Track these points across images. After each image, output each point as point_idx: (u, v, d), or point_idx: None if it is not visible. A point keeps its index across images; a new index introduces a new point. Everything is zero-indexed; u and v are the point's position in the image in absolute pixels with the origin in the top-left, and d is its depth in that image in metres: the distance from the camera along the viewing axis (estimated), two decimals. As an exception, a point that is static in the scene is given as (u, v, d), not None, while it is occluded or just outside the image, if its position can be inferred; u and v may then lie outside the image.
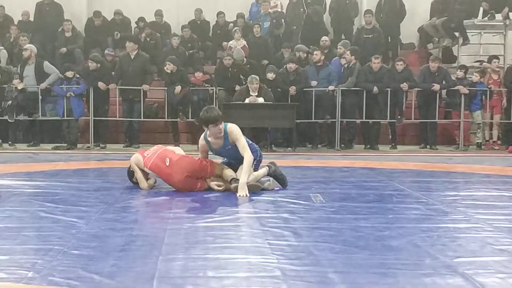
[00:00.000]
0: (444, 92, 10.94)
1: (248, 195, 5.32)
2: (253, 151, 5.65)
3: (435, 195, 5.53)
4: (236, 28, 12.49)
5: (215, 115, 5.43)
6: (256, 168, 5.74)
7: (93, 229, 4.04)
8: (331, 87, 10.56)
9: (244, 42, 12.08)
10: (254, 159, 5.62)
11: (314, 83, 10.52)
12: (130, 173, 5.88)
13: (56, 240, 3.69)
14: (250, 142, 5.79)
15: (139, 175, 5.75)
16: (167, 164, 5.55)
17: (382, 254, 3.45)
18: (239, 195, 5.32)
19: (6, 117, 10.45)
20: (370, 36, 12.11)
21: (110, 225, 4.15)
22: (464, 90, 10.60)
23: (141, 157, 5.73)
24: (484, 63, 11.32)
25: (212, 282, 2.96)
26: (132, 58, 10.78)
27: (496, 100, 10.89)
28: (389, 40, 13.03)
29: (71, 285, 2.87)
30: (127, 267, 3.17)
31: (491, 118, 10.96)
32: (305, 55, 11.15)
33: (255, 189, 5.51)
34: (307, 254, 3.44)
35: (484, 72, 10.94)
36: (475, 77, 10.80)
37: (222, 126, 5.47)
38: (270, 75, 10.51)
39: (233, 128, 5.54)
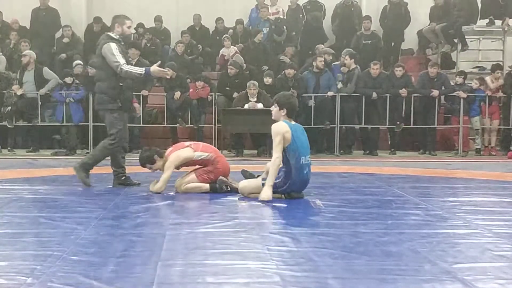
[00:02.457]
0: (443, 98, 10.96)
1: (270, 198, 5.25)
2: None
3: (434, 201, 5.53)
4: (225, 36, 12.53)
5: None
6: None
7: (92, 235, 4.03)
8: (330, 93, 10.58)
9: (235, 49, 12.10)
10: (285, 183, 5.37)
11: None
12: (151, 159, 5.86)
13: (55, 246, 3.68)
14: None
15: (167, 176, 5.75)
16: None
17: (382, 260, 3.45)
18: (261, 199, 5.26)
19: (5, 123, 10.46)
20: (369, 42, 12.14)
21: (109, 231, 4.15)
22: (462, 94, 10.62)
23: (191, 152, 5.82)
24: (482, 76, 11.30)
25: (211, 288, 2.95)
26: (133, 64, 10.75)
27: (494, 106, 10.91)
28: (392, 45, 13.06)
29: (70, 291, 2.86)
30: (126, 273, 3.16)
31: (490, 124, 10.97)
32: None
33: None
34: (306, 260, 3.43)
35: (483, 79, 10.96)
36: (475, 84, 10.82)
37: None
38: (266, 80, 10.53)
39: (273, 127, 5.38)
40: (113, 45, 5.98)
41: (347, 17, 12.91)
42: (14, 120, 10.52)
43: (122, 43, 6.13)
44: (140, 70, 6.03)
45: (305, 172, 5.43)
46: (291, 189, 5.46)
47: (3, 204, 5.19)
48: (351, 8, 12.96)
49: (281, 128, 5.31)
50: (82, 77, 10.88)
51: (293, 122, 5.48)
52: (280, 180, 5.41)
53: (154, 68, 6.02)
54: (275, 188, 5.40)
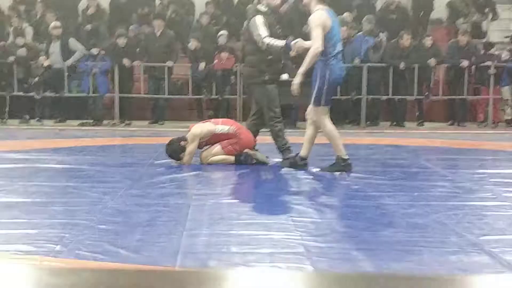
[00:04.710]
0: (473, 68, 10.72)
1: (297, 87, 5.34)
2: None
3: (462, 172, 5.46)
4: (248, 7, 12.37)
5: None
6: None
7: (119, 204, 4.08)
8: (357, 60, 10.42)
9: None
10: (324, 80, 5.31)
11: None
12: (180, 148, 5.79)
13: (83, 214, 3.75)
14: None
15: (192, 148, 5.76)
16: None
17: (407, 231, 3.43)
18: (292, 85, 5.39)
19: (33, 94, 10.58)
20: (394, 17, 11.83)
21: (136, 201, 4.19)
22: (492, 70, 10.35)
23: (213, 125, 5.86)
24: None
25: (235, 257, 2.97)
26: (158, 35, 10.77)
27: None
28: (421, 15, 12.79)
29: (97, 259, 2.91)
30: (152, 242, 3.20)
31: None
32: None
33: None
34: (330, 231, 3.43)
35: None
36: (506, 55, 10.55)
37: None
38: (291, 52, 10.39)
39: (312, 18, 5.32)
40: (258, 18, 5.89)
41: None
42: (41, 91, 10.63)
43: (271, 14, 6.00)
44: (281, 43, 5.80)
45: (340, 58, 5.49)
46: (332, 81, 5.40)
47: (32, 173, 5.28)
48: None
49: (320, 17, 5.30)
50: (109, 48, 10.92)
51: (326, 7, 5.44)
52: (319, 76, 5.35)
53: (296, 41, 5.71)
54: (318, 92, 5.36)
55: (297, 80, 5.39)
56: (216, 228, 3.48)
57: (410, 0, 12.73)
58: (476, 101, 11.04)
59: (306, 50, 5.49)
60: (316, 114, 5.41)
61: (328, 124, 5.45)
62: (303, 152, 5.57)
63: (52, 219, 3.68)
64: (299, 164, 5.54)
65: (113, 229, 3.44)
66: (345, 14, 11.57)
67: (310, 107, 5.47)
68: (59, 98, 10.75)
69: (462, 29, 11.18)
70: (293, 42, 5.66)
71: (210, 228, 3.48)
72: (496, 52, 10.77)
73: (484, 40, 11.95)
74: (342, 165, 5.43)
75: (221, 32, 11.23)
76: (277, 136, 6.01)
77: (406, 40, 10.42)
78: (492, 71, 10.37)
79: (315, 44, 5.25)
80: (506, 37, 12.13)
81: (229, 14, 13.09)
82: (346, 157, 5.47)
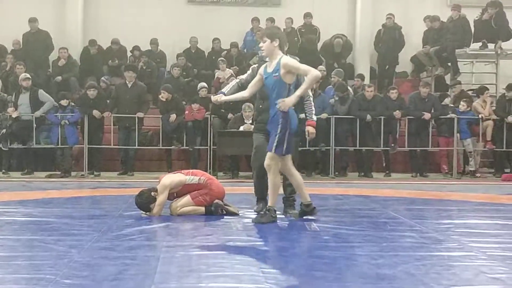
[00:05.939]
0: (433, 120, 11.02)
1: (289, 105, 5.20)
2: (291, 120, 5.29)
3: (429, 223, 5.53)
4: (220, 59, 12.63)
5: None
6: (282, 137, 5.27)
7: (86, 257, 4.01)
8: (324, 115, 10.60)
9: (231, 72, 12.15)
10: (286, 129, 5.26)
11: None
12: (150, 199, 5.71)
13: (48, 269, 3.67)
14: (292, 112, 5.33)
15: (162, 199, 5.70)
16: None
17: (376, 282, 3.45)
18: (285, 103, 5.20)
19: (0, 145, 10.45)
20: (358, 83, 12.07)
21: (103, 254, 4.13)
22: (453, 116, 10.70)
23: (183, 176, 5.80)
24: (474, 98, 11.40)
25: (205, 311, 2.93)
26: (129, 87, 10.84)
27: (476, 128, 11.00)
28: (386, 68, 13.20)
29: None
30: (119, 296, 3.14)
31: (484, 146, 11.06)
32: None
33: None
34: (300, 283, 3.42)
35: (471, 102, 11.05)
36: (462, 106, 10.89)
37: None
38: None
39: (289, 61, 5.33)
40: (254, 66, 6.12)
41: (334, 49, 13.08)
42: (9, 142, 10.50)
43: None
44: (225, 88, 5.91)
45: (293, 108, 5.40)
46: (291, 129, 5.33)
47: (-3, 226, 5.16)
48: (340, 41, 13.07)
49: (296, 61, 5.38)
50: (79, 99, 10.92)
51: None
52: (280, 125, 5.29)
53: (219, 94, 5.79)
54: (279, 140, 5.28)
55: (291, 101, 5.23)
56: (185, 281, 3.45)
57: (376, 54, 13.15)
58: (438, 152, 11.28)
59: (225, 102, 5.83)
60: (273, 160, 5.32)
61: (278, 174, 5.45)
62: (303, 199, 5.57)
63: (15, 274, 3.59)
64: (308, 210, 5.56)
65: (79, 283, 3.38)
66: (319, 67, 11.87)
67: (271, 155, 5.33)
68: (27, 150, 10.63)
69: (423, 82, 11.55)
70: (218, 95, 5.80)
71: (179, 281, 3.44)
72: (451, 104, 11.12)
73: (448, 93, 12.32)
74: (273, 216, 5.41)
75: (201, 84, 11.39)
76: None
77: (368, 91, 10.71)
78: (450, 122, 10.67)
79: (313, 71, 5.23)
80: (469, 90, 12.53)
81: (199, 67, 13.28)
82: (274, 208, 5.44)
